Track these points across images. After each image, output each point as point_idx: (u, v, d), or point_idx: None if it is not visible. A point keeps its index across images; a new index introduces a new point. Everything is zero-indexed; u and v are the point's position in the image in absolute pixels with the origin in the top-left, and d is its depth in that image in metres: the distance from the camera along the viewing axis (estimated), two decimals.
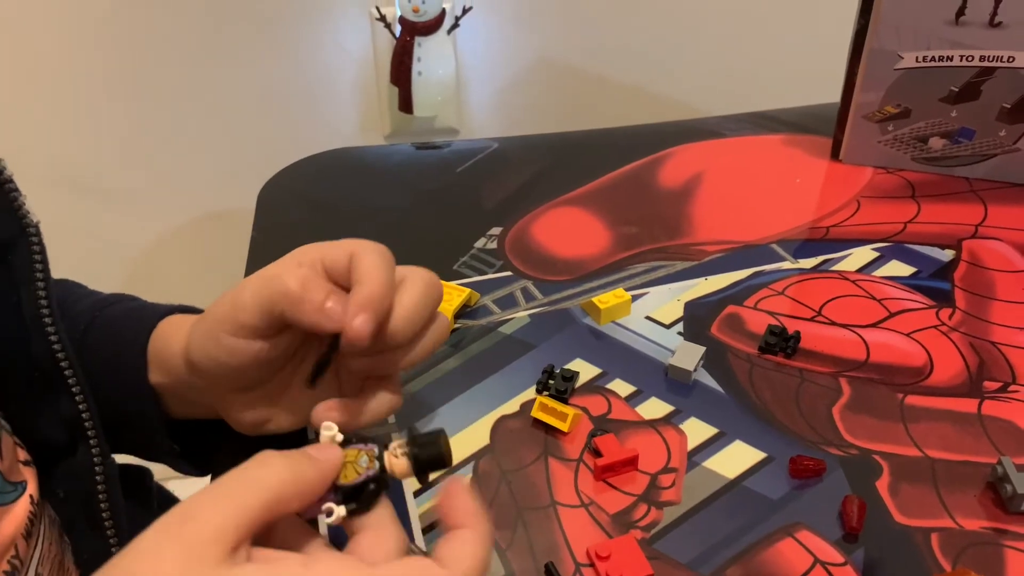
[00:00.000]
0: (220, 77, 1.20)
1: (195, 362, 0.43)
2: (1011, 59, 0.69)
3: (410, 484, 0.50)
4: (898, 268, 0.66)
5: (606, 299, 0.62)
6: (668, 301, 0.63)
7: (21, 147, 1.17)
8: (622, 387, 0.56)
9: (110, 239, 1.29)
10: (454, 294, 0.62)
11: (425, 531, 0.48)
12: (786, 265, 0.67)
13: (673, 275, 0.66)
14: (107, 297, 0.55)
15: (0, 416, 0.44)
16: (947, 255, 0.67)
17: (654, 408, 0.55)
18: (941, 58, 0.71)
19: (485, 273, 0.67)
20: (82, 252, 1.28)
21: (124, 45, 1.15)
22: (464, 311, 0.63)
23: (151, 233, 1.31)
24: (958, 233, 0.70)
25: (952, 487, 0.49)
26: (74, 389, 0.46)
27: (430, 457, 0.35)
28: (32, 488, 0.45)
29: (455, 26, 1.14)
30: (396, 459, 0.35)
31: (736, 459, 0.51)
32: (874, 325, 0.61)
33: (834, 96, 0.78)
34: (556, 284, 0.66)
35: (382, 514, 0.34)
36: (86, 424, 0.47)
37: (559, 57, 1.26)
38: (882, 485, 0.49)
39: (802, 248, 0.68)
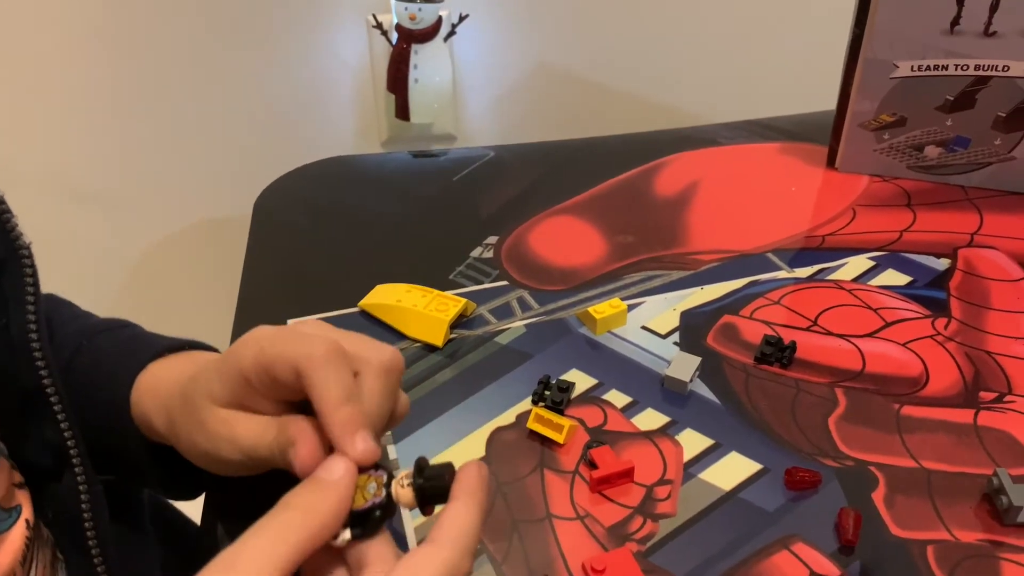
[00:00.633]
0: (217, 85, 1.20)
1: (182, 452, 0.44)
2: (1006, 68, 0.69)
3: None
4: (894, 277, 0.66)
5: (602, 309, 0.62)
6: (664, 311, 0.63)
7: (19, 154, 1.17)
8: (618, 398, 0.56)
9: (107, 245, 1.29)
10: (450, 304, 0.62)
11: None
12: (782, 274, 0.67)
13: (669, 284, 0.66)
14: (95, 324, 0.53)
15: None
16: (943, 264, 0.67)
17: (650, 419, 0.55)
18: (936, 67, 0.71)
19: (481, 282, 0.67)
20: (79, 258, 1.28)
21: (122, 53, 1.15)
22: (460, 321, 0.63)
23: (148, 240, 1.31)
24: (954, 242, 0.70)
25: (948, 499, 0.49)
26: (59, 416, 0.45)
27: (435, 490, 0.36)
28: (27, 512, 0.44)
29: (451, 33, 1.14)
30: (402, 489, 0.35)
31: (732, 471, 0.51)
32: (870, 335, 0.61)
33: (830, 104, 0.78)
34: (552, 294, 0.66)
35: (382, 539, 0.35)
36: (71, 451, 0.46)
37: (555, 64, 1.26)
38: (878, 497, 0.49)
39: (798, 257, 0.68)
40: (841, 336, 0.61)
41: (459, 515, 0.34)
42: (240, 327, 0.64)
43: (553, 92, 1.28)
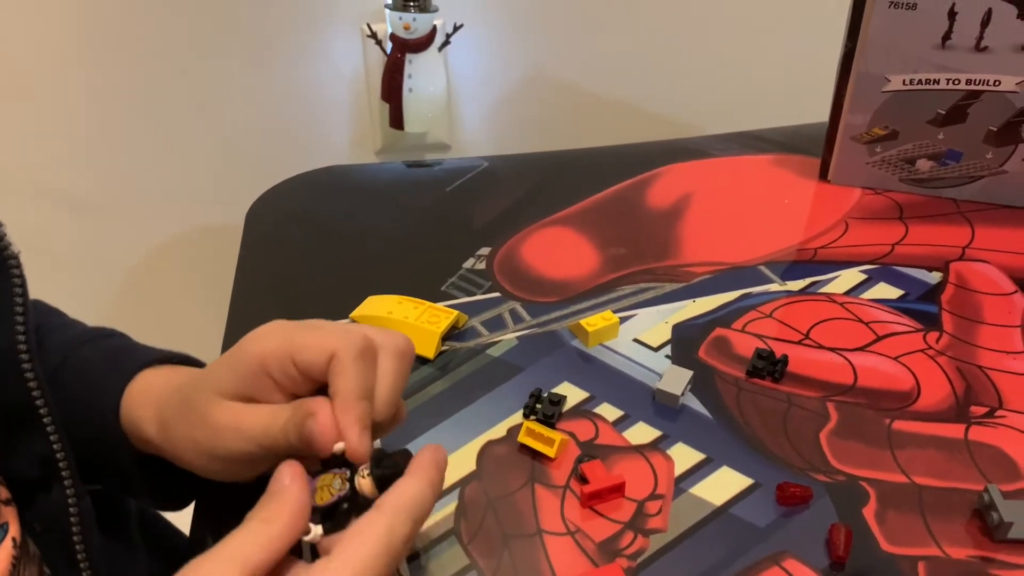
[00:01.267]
0: (210, 93, 1.20)
1: (175, 457, 0.44)
2: (997, 83, 0.69)
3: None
4: (886, 291, 0.66)
5: (594, 321, 0.62)
6: (656, 324, 0.63)
7: (8, 162, 1.16)
8: (609, 411, 0.56)
9: (98, 254, 1.29)
10: (442, 316, 0.62)
11: (409, 560, 0.48)
12: (774, 287, 0.67)
13: (661, 297, 0.66)
14: (81, 333, 0.53)
15: None
16: (935, 277, 0.67)
17: (641, 433, 0.55)
18: (928, 81, 0.71)
19: (473, 294, 0.67)
20: (70, 266, 1.27)
21: (114, 61, 1.15)
22: (452, 333, 0.63)
23: (140, 248, 1.31)
24: (945, 255, 0.70)
25: (939, 514, 0.49)
26: (48, 428, 0.44)
27: (392, 476, 0.38)
28: (14, 530, 0.44)
29: (446, 43, 1.14)
30: (363, 479, 0.38)
31: (723, 486, 0.51)
32: (862, 349, 0.61)
33: (822, 116, 0.79)
34: (544, 305, 0.66)
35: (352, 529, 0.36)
36: (60, 464, 0.45)
37: (549, 74, 1.26)
38: (869, 512, 0.49)
39: (790, 270, 0.68)
40: (833, 350, 0.61)
41: (406, 487, 0.37)
42: (231, 335, 0.64)
43: (547, 102, 1.28)
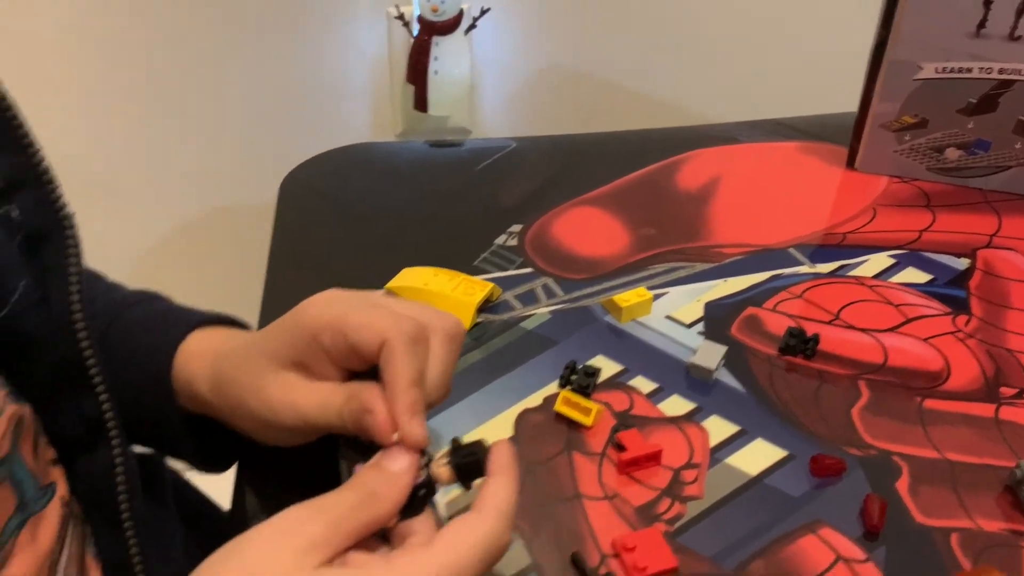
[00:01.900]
0: (235, 74, 1.21)
1: (225, 418, 0.45)
2: None
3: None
4: (914, 275, 0.67)
5: (627, 297, 0.62)
6: (688, 302, 0.64)
7: (43, 146, 1.17)
8: (644, 384, 0.57)
9: (128, 234, 1.30)
10: (477, 288, 0.63)
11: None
12: (803, 269, 0.67)
13: (692, 276, 0.67)
14: (127, 296, 0.53)
15: (33, 414, 0.43)
16: (963, 263, 0.68)
17: (676, 405, 0.55)
18: (960, 69, 0.72)
19: (506, 269, 0.68)
20: (99, 247, 1.28)
21: (143, 43, 1.15)
22: (486, 305, 0.63)
23: (169, 227, 1.32)
24: (972, 243, 0.70)
25: (971, 489, 0.50)
26: (98, 389, 0.45)
27: (472, 466, 0.38)
28: (63, 489, 0.44)
29: (472, 27, 1.15)
30: (441, 468, 0.38)
31: (757, 456, 0.52)
32: (891, 330, 0.61)
33: (847, 106, 0.79)
34: (576, 282, 0.66)
35: (426, 517, 0.37)
36: (108, 424, 0.45)
37: (573, 61, 1.27)
38: (902, 486, 0.50)
39: (819, 253, 0.69)
40: (863, 330, 0.61)
41: (499, 488, 0.37)
42: (268, 309, 0.65)
43: (569, 89, 1.29)
